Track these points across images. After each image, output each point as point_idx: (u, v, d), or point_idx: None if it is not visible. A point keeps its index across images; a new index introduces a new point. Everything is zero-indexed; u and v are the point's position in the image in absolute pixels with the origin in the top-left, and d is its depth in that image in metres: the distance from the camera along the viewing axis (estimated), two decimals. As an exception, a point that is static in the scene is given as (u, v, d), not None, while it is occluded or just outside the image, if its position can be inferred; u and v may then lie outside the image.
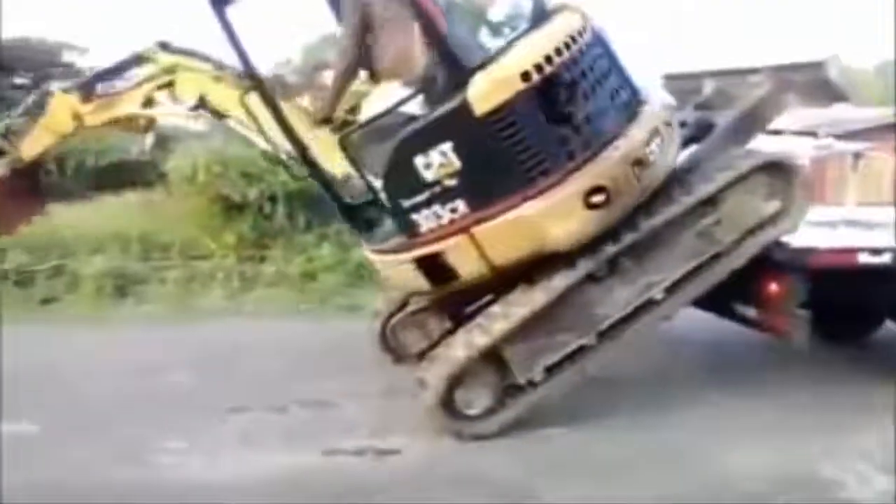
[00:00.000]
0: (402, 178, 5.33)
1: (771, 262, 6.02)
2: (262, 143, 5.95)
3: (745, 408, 5.86)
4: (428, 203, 5.32)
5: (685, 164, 6.15)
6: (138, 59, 6.51)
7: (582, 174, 5.26)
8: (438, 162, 5.19)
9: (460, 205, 5.28)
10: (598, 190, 5.27)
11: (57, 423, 5.82)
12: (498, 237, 5.29)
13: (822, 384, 6.39)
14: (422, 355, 6.18)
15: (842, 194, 7.71)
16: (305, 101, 6.08)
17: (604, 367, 5.85)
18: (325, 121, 5.74)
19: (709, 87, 7.49)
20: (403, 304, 6.54)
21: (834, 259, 6.11)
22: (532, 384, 5.63)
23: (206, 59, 6.34)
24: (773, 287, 6.01)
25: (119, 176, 13.28)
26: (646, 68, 6.69)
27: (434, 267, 5.47)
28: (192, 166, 10.70)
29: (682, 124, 6.45)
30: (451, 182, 5.23)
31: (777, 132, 7.22)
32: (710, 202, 5.82)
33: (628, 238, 5.61)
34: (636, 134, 5.51)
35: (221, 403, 6.14)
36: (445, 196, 5.27)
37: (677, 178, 5.88)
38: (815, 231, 6.35)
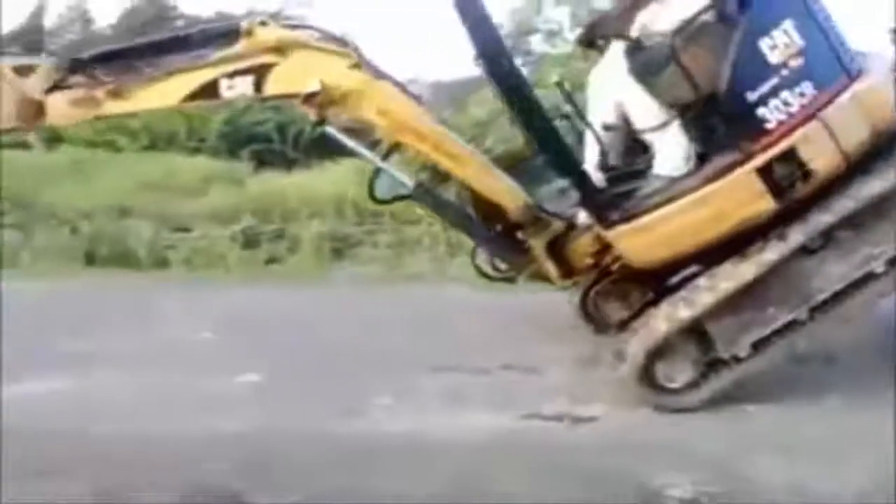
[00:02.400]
0: (747, 65, 5.29)
1: None
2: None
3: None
4: (775, 91, 5.29)
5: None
6: (227, 35, 4.97)
7: None
8: (783, 42, 5.24)
9: (807, 86, 5.29)
10: None
11: (278, 375, 6.34)
12: (844, 118, 5.30)
13: None
14: (622, 325, 6.17)
15: None
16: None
17: (816, 343, 5.64)
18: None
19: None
20: (604, 273, 6.51)
21: None
22: (737, 359, 5.48)
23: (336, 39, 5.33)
24: None
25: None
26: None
27: (781, 172, 5.33)
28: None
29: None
30: (797, 62, 5.26)
31: None
32: (942, 168, 5.40)
33: (846, 207, 5.33)
34: None
35: (429, 363, 6.43)
36: (792, 79, 5.28)
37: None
38: None
